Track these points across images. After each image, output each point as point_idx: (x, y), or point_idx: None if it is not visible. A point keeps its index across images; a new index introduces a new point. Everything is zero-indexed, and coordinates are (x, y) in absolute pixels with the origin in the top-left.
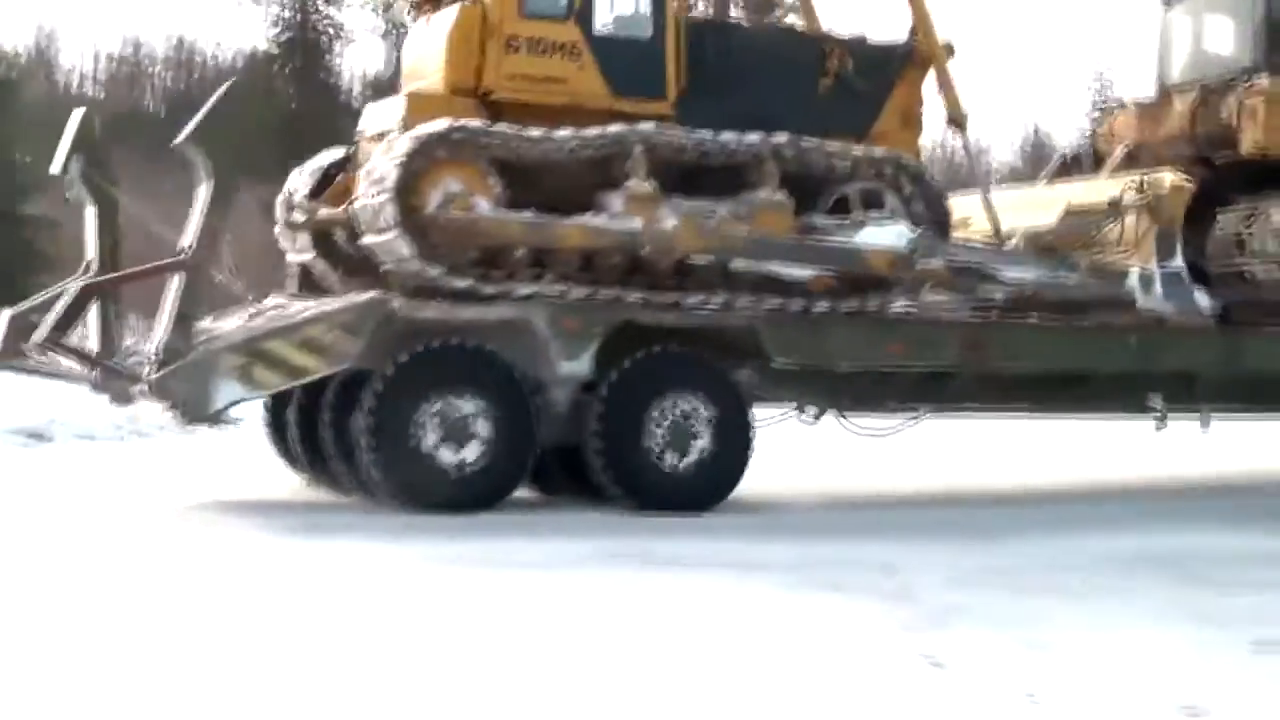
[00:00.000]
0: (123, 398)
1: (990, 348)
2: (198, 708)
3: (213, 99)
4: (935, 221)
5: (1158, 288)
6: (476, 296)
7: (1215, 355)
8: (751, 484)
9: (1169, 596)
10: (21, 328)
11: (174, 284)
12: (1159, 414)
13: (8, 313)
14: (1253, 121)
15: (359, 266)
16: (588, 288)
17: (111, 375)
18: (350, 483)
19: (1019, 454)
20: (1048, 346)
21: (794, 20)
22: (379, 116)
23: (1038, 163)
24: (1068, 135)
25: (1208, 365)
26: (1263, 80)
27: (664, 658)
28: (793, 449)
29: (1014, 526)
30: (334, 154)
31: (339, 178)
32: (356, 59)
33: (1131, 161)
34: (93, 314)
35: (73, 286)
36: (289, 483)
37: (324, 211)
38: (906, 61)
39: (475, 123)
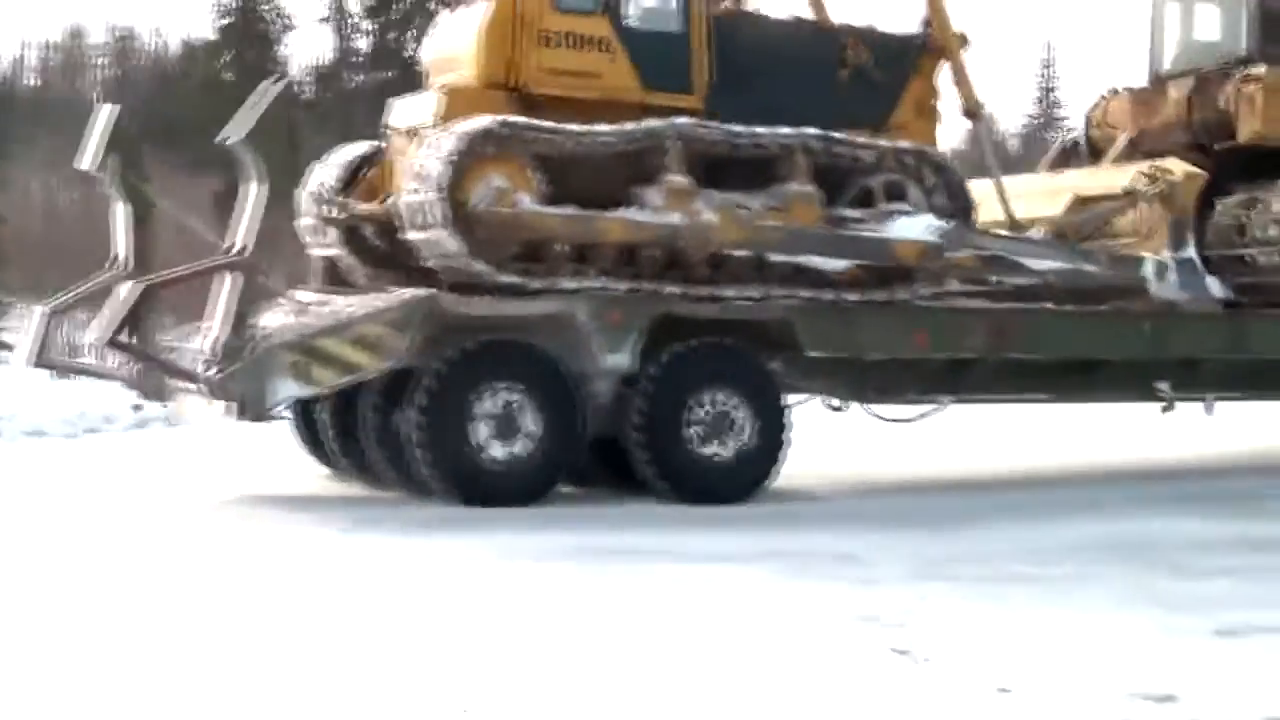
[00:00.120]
0: (160, 394)
1: (1013, 336)
2: (204, 697)
3: (260, 97)
4: (958, 212)
5: (1172, 276)
6: (521, 291)
7: (1221, 341)
8: None
9: (1136, 583)
10: (57, 326)
11: (226, 283)
12: (1167, 399)
13: (42, 310)
14: (1251, 110)
15: (385, 260)
16: (628, 282)
17: (164, 373)
18: (391, 476)
19: (1020, 439)
20: (1068, 334)
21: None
22: (409, 111)
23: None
24: (1013, 122)
25: (1214, 351)
26: (1260, 69)
27: (631, 652)
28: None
29: (982, 514)
30: (359, 148)
31: (365, 172)
32: (303, 47)
33: (1132, 149)
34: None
35: (127, 286)
36: (314, 475)
37: (361, 207)
38: (922, 53)
39: (518, 119)
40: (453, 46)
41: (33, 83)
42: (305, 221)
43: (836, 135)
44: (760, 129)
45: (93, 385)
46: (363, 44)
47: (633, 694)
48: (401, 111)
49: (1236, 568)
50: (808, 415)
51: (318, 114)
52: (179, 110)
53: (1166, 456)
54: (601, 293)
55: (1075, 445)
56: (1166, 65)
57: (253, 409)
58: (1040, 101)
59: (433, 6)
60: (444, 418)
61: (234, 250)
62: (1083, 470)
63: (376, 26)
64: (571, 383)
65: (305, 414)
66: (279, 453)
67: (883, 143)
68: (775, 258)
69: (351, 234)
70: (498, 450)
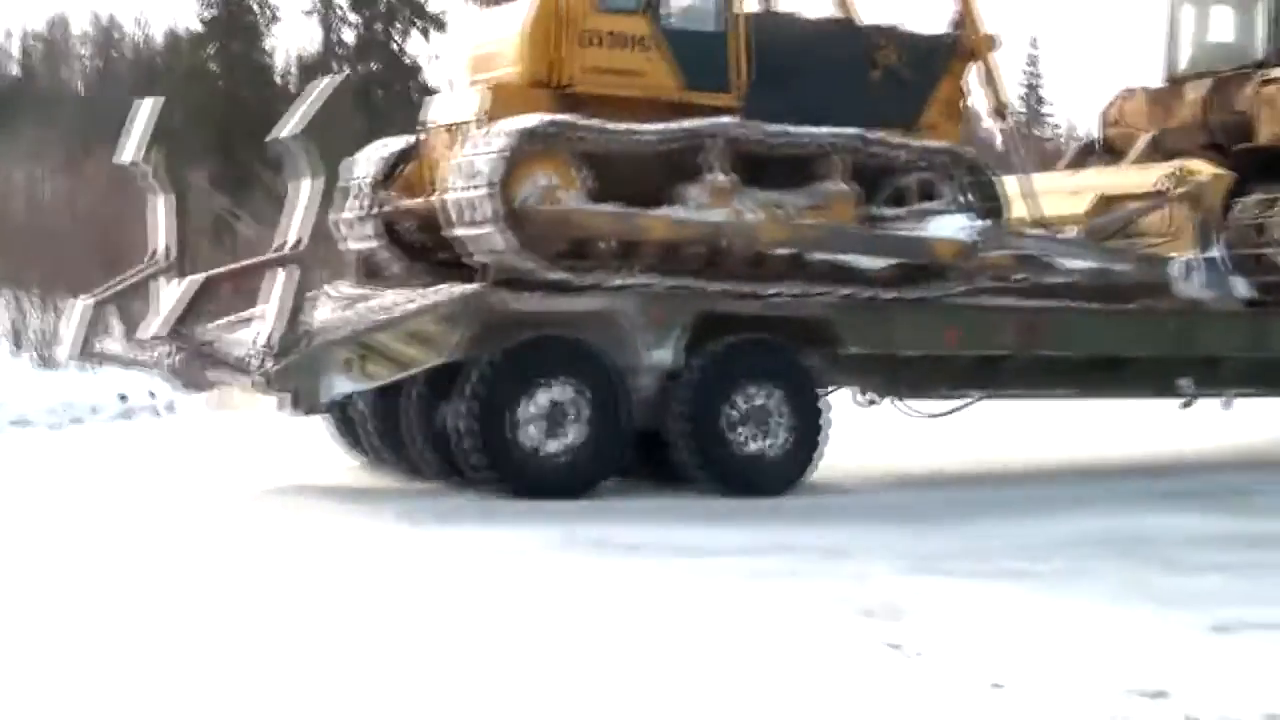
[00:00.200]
0: (198, 385)
1: (1042, 334)
2: (201, 686)
3: (319, 93)
4: (990, 212)
5: (1198, 275)
6: (568, 288)
7: (1243, 339)
8: None
9: (1129, 579)
10: (98, 318)
11: (280, 278)
12: (1188, 395)
13: (85, 302)
14: (1271, 112)
15: (421, 255)
16: (670, 278)
17: (218, 366)
18: (434, 469)
19: (1026, 433)
20: (1096, 332)
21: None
22: (449, 108)
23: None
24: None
25: (1236, 349)
26: (1278, 72)
27: (621, 648)
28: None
29: (975, 509)
30: (396, 143)
31: (403, 167)
32: (289, 39)
33: (1151, 149)
34: (162, 298)
35: (186, 280)
36: (346, 466)
37: (404, 202)
38: (953, 53)
39: (566, 117)
40: (493, 44)
41: (15, 72)
42: (342, 215)
43: (875, 135)
44: (801, 128)
45: (77, 375)
46: (349, 36)
47: (624, 692)
48: (441, 108)
49: (1229, 564)
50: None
51: None
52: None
53: (1165, 451)
54: (646, 290)
55: (1080, 440)
56: (1182, 66)
57: (306, 402)
58: (1025, 99)
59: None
60: (493, 412)
61: (288, 245)
62: (1079, 465)
63: (362, 19)
64: (617, 378)
65: (340, 406)
66: (282, 442)
67: (919, 143)
68: (815, 256)
69: (389, 229)
70: (546, 444)
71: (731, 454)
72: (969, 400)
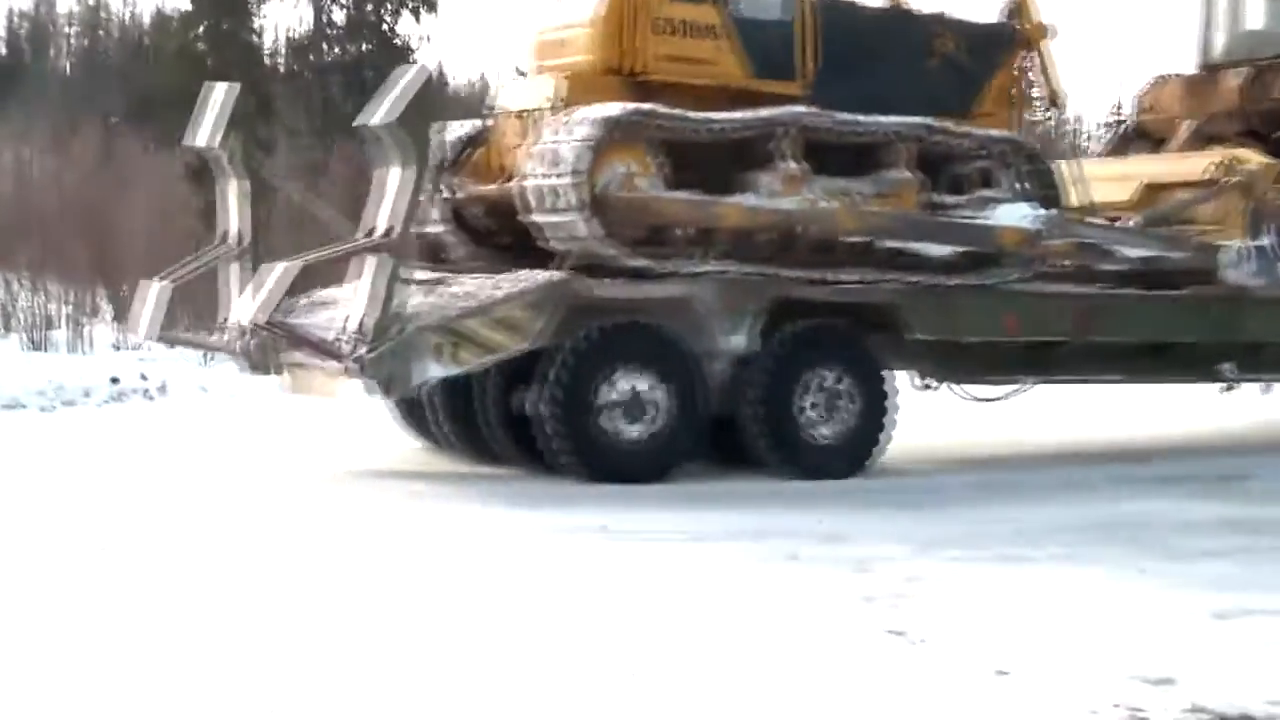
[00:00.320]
0: (265, 368)
1: (1098, 320)
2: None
3: (407, 81)
4: (1048, 201)
5: (1250, 263)
6: (648, 274)
7: None
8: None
9: (1129, 565)
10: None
11: (373, 265)
12: (1230, 380)
13: (161, 284)
14: None
15: (485, 239)
16: (745, 265)
17: (308, 351)
18: (511, 453)
19: (1060, 418)
20: (1148, 318)
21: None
22: (521, 94)
23: None
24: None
25: (1277, 335)
26: None
27: (623, 635)
28: None
29: (973, 494)
30: (464, 127)
31: (470, 152)
32: (280, 18)
33: (1193, 136)
34: (235, 283)
35: (276, 266)
36: (406, 448)
37: (478, 188)
38: (1010, 42)
39: (647, 105)
40: (564, 31)
41: (1, 52)
42: None
43: (939, 124)
44: (871, 117)
45: (67, 358)
46: (339, 16)
47: (623, 680)
48: (512, 93)
49: (1229, 550)
50: None
51: (294, 87)
52: (151, 82)
53: (1164, 436)
54: (721, 276)
55: (1105, 423)
56: (1217, 54)
57: (399, 388)
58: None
59: None
60: (576, 397)
61: (378, 232)
62: (1078, 450)
63: None
64: (694, 363)
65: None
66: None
67: (981, 131)
68: (884, 243)
69: (456, 213)
70: (626, 429)
71: (802, 437)
72: (1022, 385)
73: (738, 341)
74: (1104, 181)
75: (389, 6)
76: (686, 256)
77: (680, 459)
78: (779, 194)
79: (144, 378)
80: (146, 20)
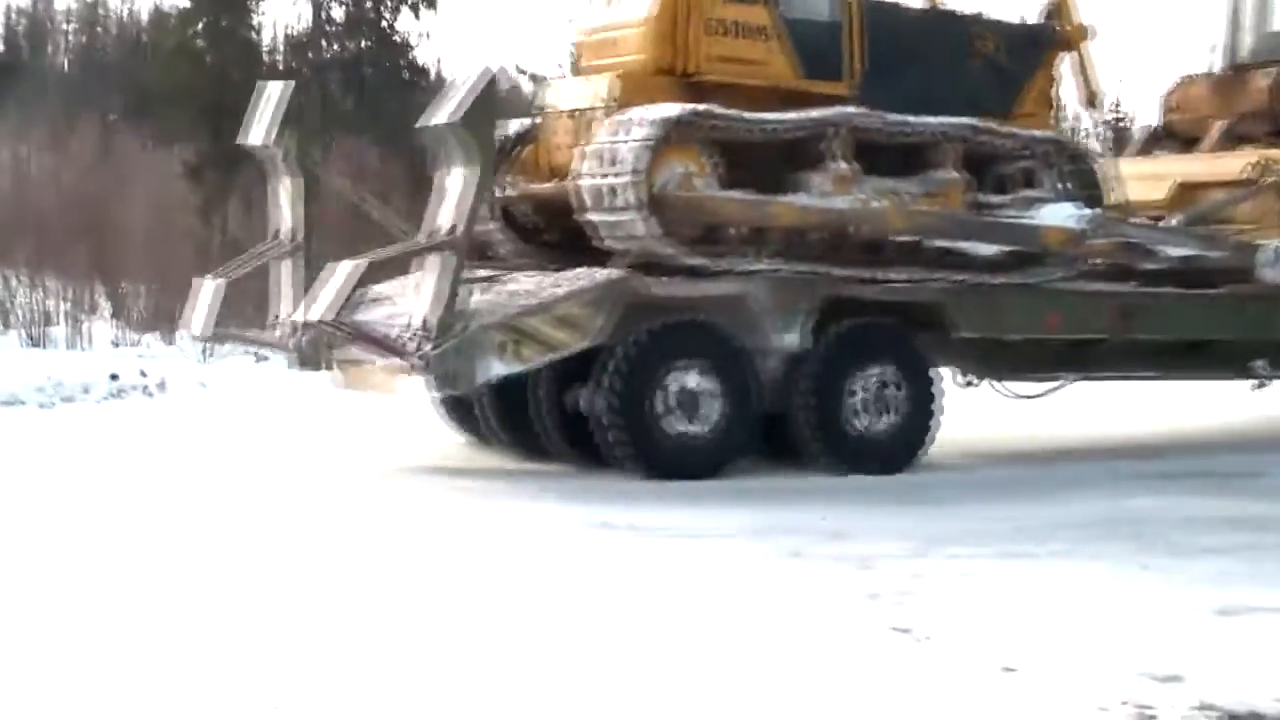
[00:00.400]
0: (316, 364)
1: (1137, 318)
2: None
3: (475, 82)
4: (1090, 201)
5: None
6: (704, 273)
7: None
8: None
9: (1132, 561)
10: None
11: (437, 264)
12: (1262, 377)
13: (216, 282)
14: None
15: (531, 236)
16: (796, 263)
17: (371, 348)
18: (564, 450)
19: (1052, 415)
20: (1185, 316)
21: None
22: (572, 93)
23: None
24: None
25: None
26: None
27: (625, 634)
28: None
29: (973, 491)
30: (511, 126)
31: (519, 150)
32: (277, 15)
33: (1224, 136)
34: (287, 280)
35: (344, 266)
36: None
37: (532, 186)
38: (1050, 43)
39: (703, 106)
40: (615, 30)
41: None
42: None
43: (985, 124)
44: (919, 118)
45: (66, 354)
46: (338, 14)
47: (625, 679)
48: (562, 92)
49: (1231, 546)
50: None
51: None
52: (149, 80)
53: (1164, 432)
54: (775, 275)
55: (1100, 420)
56: (1244, 54)
57: (463, 384)
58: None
59: None
60: (634, 395)
61: (443, 231)
62: (1079, 447)
63: None
64: (748, 360)
65: None
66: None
67: (1026, 131)
68: (932, 242)
69: (504, 211)
70: (683, 426)
71: (852, 433)
72: (1062, 382)
73: (791, 339)
74: (1135, 181)
75: (389, 3)
76: (739, 255)
77: (735, 455)
78: (830, 194)
79: (143, 374)
80: (145, 17)
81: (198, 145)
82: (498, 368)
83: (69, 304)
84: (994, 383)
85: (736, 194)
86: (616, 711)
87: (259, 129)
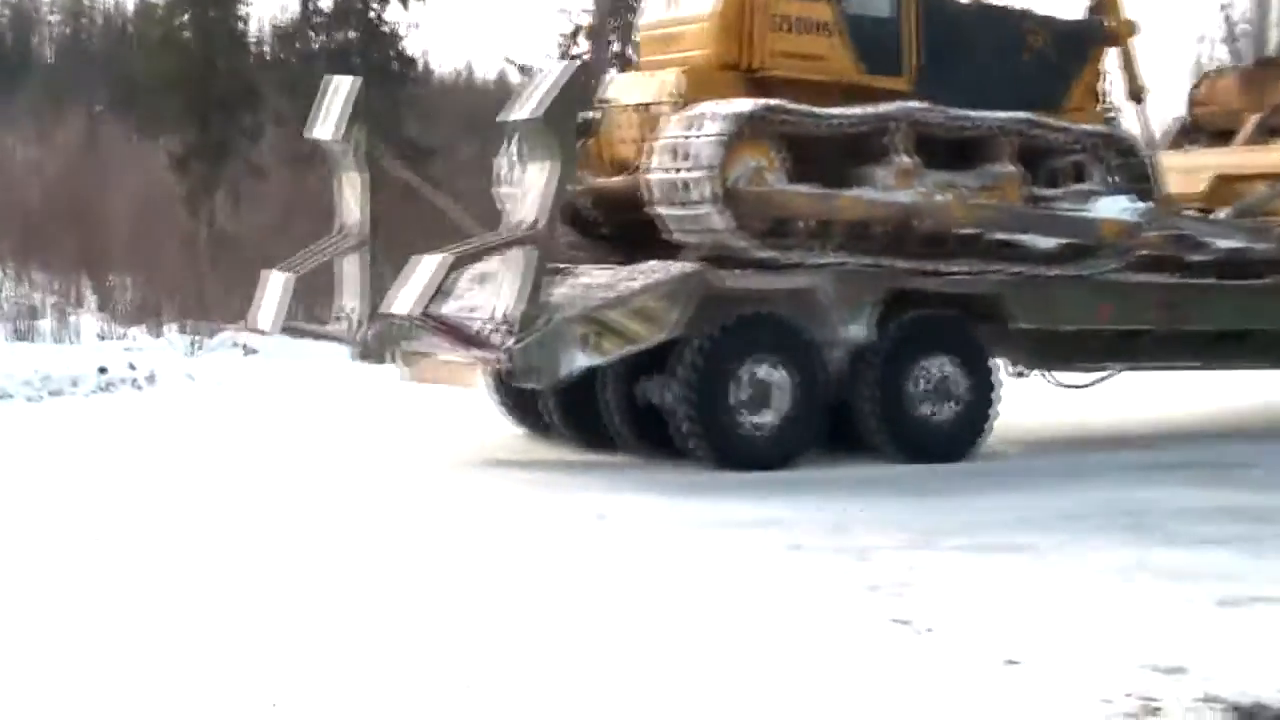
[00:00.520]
0: (379, 356)
1: (1184, 308)
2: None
3: (557, 77)
4: (1139, 194)
5: None
6: (774, 266)
7: None
8: None
9: (1132, 553)
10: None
11: (519, 258)
12: None
13: (286, 276)
14: None
15: (589, 229)
16: (860, 256)
17: (456, 341)
18: (632, 443)
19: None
20: (1231, 306)
21: None
22: (635, 88)
23: None
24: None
25: None
26: None
27: (625, 628)
28: None
29: (974, 482)
30: None
31: (582, 142)
32: (264, 6)
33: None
34: (353, 273)
35: (430, 260)
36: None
37: (595, 180)
38: (1098, 38)
39: (774, 101)
40: (678, 25)
41: None
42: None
43: (1040, 118)
44: (978, 112)
45: (53, 347)
46: (326, 4)
47: (625, 674)
48: (625, 87)
49: (1230, 537)
50: None
51: (280, 75)
52: (135, 70)
53: (1160, 422)
54: (842, 267)
55: (1098, 410)
56: (1271, 49)
57: (546, 377)
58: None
59: None
60: (709, 387)
61: (525, 225)
62: (1075, 437)
63: None
64: (816, 352)
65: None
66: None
67: (1078, 125)
68: (991, 235)
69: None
70: (755, 417)
71: (915, 423)
72: (1111, 372)
73: (857, 331)
74: (1173, 174)
75: None
76: (806, 248)
77: (804, 446)
78: (893, 188)
79: (132, 367)
80: (130, 7)
81: (184, 136)
82: (581, 360)
83: (55, 297)
84: (1045, 373)
85: (805, 188)
86: (620, 704)
87: (327, 123)
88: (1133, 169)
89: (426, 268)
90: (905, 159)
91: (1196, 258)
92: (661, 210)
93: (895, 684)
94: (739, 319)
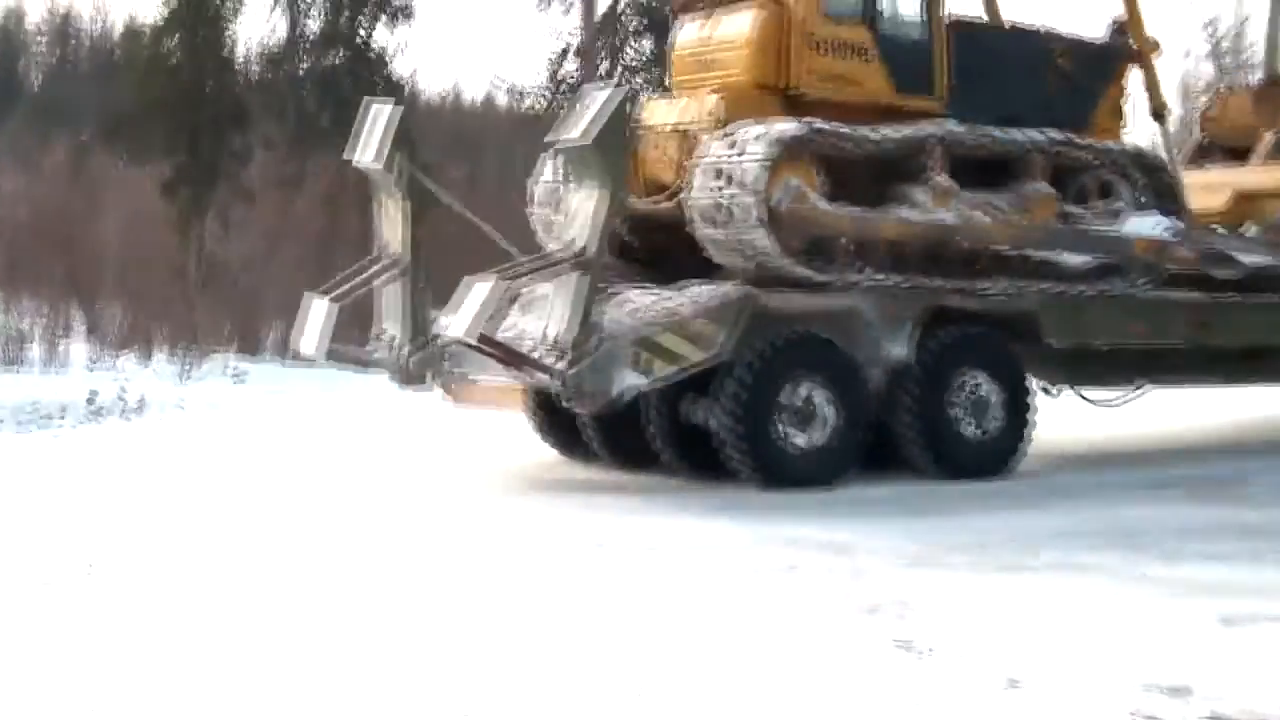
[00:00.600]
0: (420, 381)
1: (1212, 325)
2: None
3: (606, 101)
4: (1167, 210)
5: None
6: (815, 286)
7: None
8: None
9: (1130, 571)
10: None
11: (570, 282)
12: None
13: (330, 303)
14: None
15: (624, 251)
16: (899, 275)
17: (512, 366)
18: (676, 464)
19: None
20: (1258, 323)
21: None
22: (671, 110)
23: None
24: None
25: None
26: None
27: (624, 649)
28: None
29: (969, 502)
30: None
31: None
32: (252, 30)
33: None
34: (395, 299)
35: (482, 284)
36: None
37: (640, 202)
38: (1123, 58)
39: (817, 123)
40: (714, 49)
41: None
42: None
43: (1070, 137)
44: (1011, 132)
45: (41, 376)
46: (314, 27)
47: (624, 694)
48: (661, 110)
49: (1228, 554)
50: None
51: (268, 98)
52: (122, 95)
53: (1151, 439)
54: (882, 286)
55: (1090, 428)
56: None
57: (600, 400)
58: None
59: None
60: (755, 407)
61: (575, 249)
62: (1065, 455)
63: (328, 6)
64: (857, 371)
65: (544, 401)
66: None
67: (1106, 145)
68: (1029, 254)
69: None
70: (801, 438)
71: (954, 439)
72: (1141, 390)
73: (898, 350)
74: (1193, 191)
75: (365, 16)
76: (845, 268)
77: (848, 465)
78: (931, 208)
79: (122, 393)
80: (118, 32)
81: (173, 160)
82: (632, 381)
83: (44, 323)
84: (1076, 390)
85: (845, 208)
86: None
87: (369, 150)
88: (1159, 187)
89: (479, 292)
90: (942, 179)
91: (1222, 274)
92: (704, 231)
93: (898, 707)
94: (787, 340)
